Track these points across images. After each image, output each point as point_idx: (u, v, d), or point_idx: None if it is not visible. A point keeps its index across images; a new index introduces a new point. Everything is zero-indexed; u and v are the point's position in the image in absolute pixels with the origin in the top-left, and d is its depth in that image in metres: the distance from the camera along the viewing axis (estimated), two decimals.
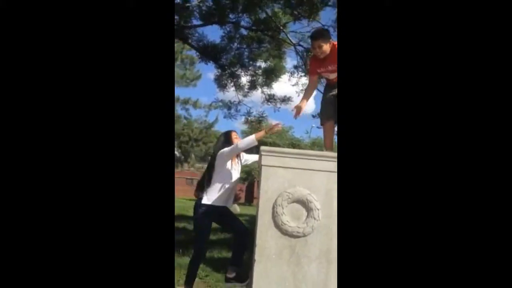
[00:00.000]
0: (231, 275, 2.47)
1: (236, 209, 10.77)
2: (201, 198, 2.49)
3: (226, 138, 2.59)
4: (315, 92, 2.77)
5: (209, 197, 2.46)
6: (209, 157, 2.66)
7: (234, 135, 2.61)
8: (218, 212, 2.49)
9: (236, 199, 18.35)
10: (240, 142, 2.41)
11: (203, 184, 2.51)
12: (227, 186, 2.48)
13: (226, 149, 2.46)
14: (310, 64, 2.68)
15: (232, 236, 2.70)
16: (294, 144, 16.81)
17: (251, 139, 2.34)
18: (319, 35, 2.40)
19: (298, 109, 2.43)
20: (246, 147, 2.38)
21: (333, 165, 1.92)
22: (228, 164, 2.47)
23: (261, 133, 2.44)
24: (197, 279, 3.73)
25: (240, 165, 2.68)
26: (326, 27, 5.67)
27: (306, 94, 2.56)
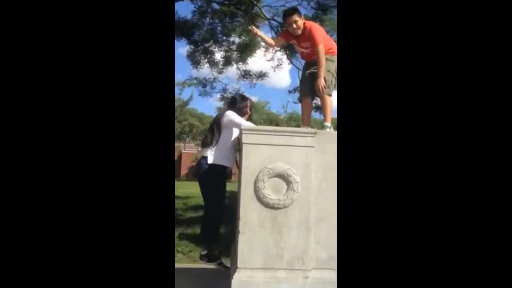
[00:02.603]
0: (203, 252, 2.51)
1: None
2: (206, 157, 2.44)
3: (241, 101, 2.60)
4: (290, 66, 2.92)
5: (219, 156, 2.42)
6: (216, 116, 2.64)
7: (248, 103, 2.61)
8: (223, 171, 2.48)
9: None
10: (244, 122, 2.43)
11: (209, 142, 2.47)
12: (232, 146, 2.47)
13: (233, 115, 2.44)
14: (282, 33, 2.76)
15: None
16: (271, 119, 16.95)
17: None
18: (292, 11, 2.46)
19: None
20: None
21: (310, 141, 2.03)
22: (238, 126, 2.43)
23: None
24: (180, 254, 3.87)
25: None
26: (300, 0, 5.65)
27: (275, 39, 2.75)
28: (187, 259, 3.65)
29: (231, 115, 2.47)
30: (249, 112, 2.65)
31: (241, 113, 2.54)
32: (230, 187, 2.89)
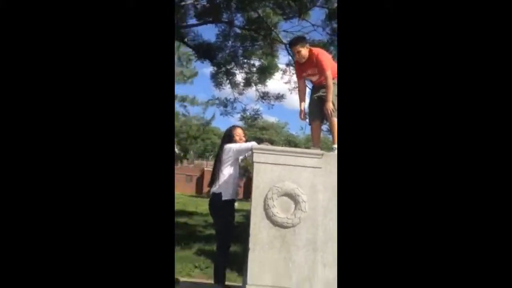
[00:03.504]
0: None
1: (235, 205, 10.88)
2: (215, 193, 2.54)
3: (230, 133, 2.70)
4: (308, 90, 2.94)
5: (224, 191, 2.52)
6: (217, 152, 2.75)
7: (237, 131, 2.70)
8: (231, 204, 2.60)
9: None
10: (248, 143, 2.56)
11: (215, 179, 2.57)
12: (235, 179, 2.58)
13: (235, 145, 2.56)
14: (296, 71, 2.84)
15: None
16: (290, 140, 17.03)
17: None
18: (296, 41, 2.59)
19: (302, 113, 2.67)
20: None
21: (317, 161, 2.10)
22: (234, 158, 2.57)
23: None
24: (198, 270, 3.94)
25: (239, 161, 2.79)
26: (315, 27, 5.83)
27: (301, 97, 2.75)
28: (203, 275, 3.73)
29: (229, 147, 2.56)
30: (244, 138, 2.74)
31: (235, 141, 2.64)
32: (247, 206, 2.94)
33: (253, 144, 2.43)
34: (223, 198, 2.53)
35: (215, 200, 2.55)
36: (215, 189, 2.57)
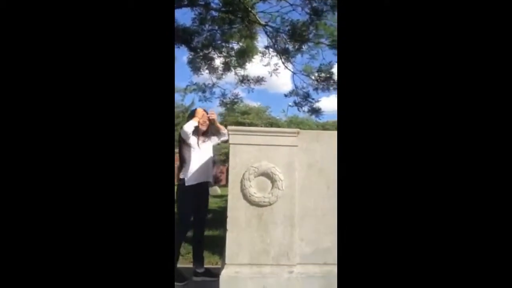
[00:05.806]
0: (201, 270, 2.61)
1: (217, 190, 10.95)
2: (181, 179, 2.57)
3: (191, 115, 2.72)
4: (290, 73, 2.93)
5: (186, 176, 2.55)
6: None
7: (198, 112, 2.70)
8: (195, 190, 2.59)
9: (217, 181, 18.51)
10: (191, 121, 2.58)
11: (180, 165, 2.60)
12: (199, 163, 2.58)
13: (184, 125, 2.59)
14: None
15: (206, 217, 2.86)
16: (272, 123, 17.11)
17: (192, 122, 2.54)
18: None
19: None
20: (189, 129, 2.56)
21: (293, 140, 2.11)
22: (193, 141, 2.59)
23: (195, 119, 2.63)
24: (180, 257, 3.97)
25: (210, 144, 2.79)
26: (294, 6, 5.77)
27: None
28: (184, 260, 3.76)
29: (182, 130, 2.58)
30: (207, 121, 2.72)
31: (196, 124, 2.62)
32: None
33: (195, 120, 2.48)
34: (187, 184, 2.52)
35: (179, 186, 2.55)
36: (181, 174, 2.57)
